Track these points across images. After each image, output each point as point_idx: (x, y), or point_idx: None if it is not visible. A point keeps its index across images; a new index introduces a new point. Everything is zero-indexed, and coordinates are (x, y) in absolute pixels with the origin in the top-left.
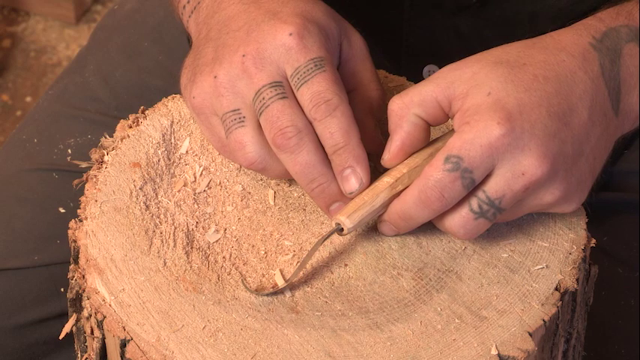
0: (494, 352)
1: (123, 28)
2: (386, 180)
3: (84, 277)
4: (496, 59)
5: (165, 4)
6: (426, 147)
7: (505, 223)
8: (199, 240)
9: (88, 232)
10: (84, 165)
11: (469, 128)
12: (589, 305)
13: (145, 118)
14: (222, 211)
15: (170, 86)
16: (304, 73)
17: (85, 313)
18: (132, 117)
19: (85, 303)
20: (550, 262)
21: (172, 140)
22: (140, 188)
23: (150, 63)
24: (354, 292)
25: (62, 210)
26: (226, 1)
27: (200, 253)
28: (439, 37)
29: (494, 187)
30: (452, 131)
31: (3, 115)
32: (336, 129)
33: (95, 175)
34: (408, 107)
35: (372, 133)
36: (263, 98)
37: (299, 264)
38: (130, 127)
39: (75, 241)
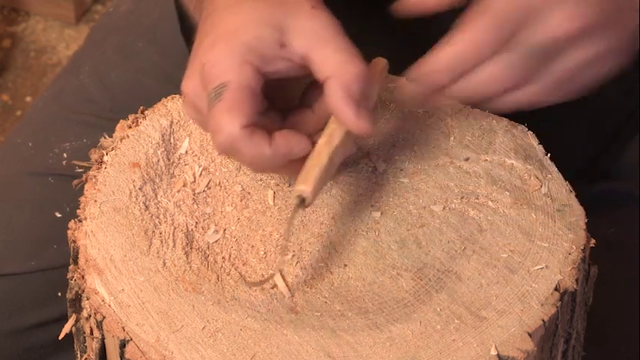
0: (493, 352)
1: (118, 29)
2: (322, 140)
3: (83, 277)
4: None
5: (161, 5)
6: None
7: (505, 223)
8: (199, 240)
9: (88, 232)
10: (83, 165)
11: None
12: (588, 305)
13: (144, 118)
14: (222, 212)
15: (166, 87)
16: (209, 102)
17: (85, 313)
18: (131, 117)
19: (85, 303)
20: (549, 262)
21: (172, 140)
22: (139, 188)
23: (145, 64)
24: (353, 293)
25: (58, 214)
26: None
27: (199, 253)
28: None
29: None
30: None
31: (3, 115)
32: (249, 160)
33: (95, 176)
34: None
35: (352, 118)
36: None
37: (281, 251)
38: (130, 127)
39: (74, 242)
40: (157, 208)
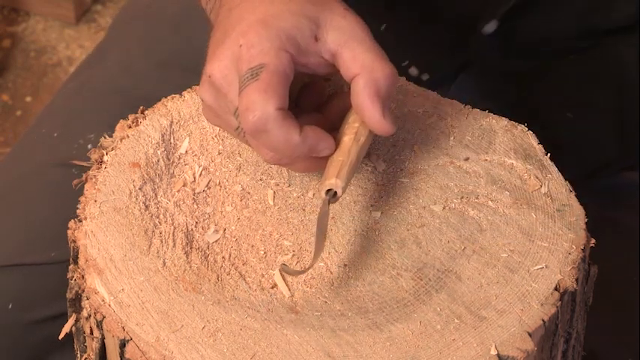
0: (493, 352)
1: (142, 18)
2: (347, 138)
3: (83, 277)
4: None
5: None
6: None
7: (505, 223)
8: (199, 240)
9: (88, 232)
10: (83, 164)
11: None
12: (588, 305)
13: (144, 118)
14: (222, 211)
15: (191, 76)
16: (242, 82)
17: (85, 313)
18: (131, 117)
19: (85, 303)
20: (549, 262)
21: (172, 140)
22: (139, 188)
23: (170, 53)
24: (353, 293)
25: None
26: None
27: (199, 253)
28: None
29: None
30: None
31: (3, 115)
32: (276, 145)
33: (94, 175)
34: None
35: (378, 117)
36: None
37: (315, 249)
38: (130, 127)
39: (74, 242)
40: (157, 207)
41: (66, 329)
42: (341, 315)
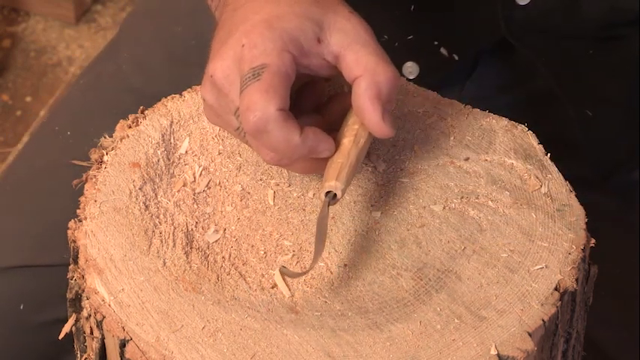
0: (493, 352)
1: (154, 15)
2: (347, 140)
3: (83, 277)
4: None
5: None
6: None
7: (505, 223)
8: (199, 240)
9: (88, 232)
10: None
11: None
12: (589, 305)
13: (144, 118)
14: (222, 211)
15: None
16: (244, 82)
17: (85, 313)
18: (131, 117)
19: (85, 303)
20: (549, 262)
21: (172, 140)
22: (139, 188)
23: (184, 49)
24: (353, 292)
25: None
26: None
27: (199, 253)
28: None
29: None
30: None
31: (3, 115)
32: (276, 145)
33: (94, 175)
34: None
35: (377, 120)
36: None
37: (315, 251)
38: (130, 127)
39: (74, 241)
40: (157, 207)
41: (66, 329)
42: (341, 315)
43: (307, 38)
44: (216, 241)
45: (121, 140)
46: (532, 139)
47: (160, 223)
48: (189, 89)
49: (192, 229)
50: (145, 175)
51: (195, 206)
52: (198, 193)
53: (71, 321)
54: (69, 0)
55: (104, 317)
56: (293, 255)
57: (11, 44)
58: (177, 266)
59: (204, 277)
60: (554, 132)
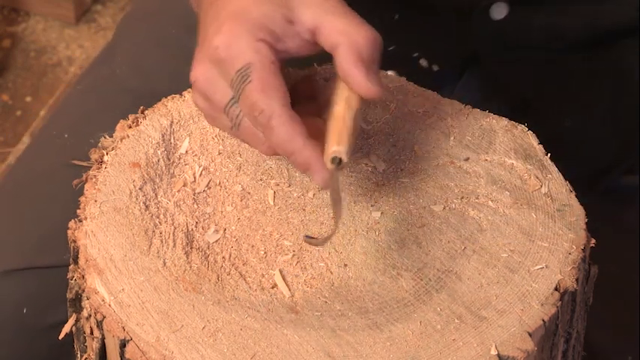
0: (493, 352)
1: (150, 17)
2: (339, 107)
3: (83, 277)
4: None
5: None
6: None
7: (505, 223)
8: (199, 240)
9: (88, 232)
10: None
11: None
12: (589, 305)
13: (144, 118)
14: (222, 211)
15: None
16: (236, 87)
17: (85, 313)
18: (131, 117)
19: (85, 303)
20: (550, 262)
21: (172, 140)
22: (140, 188)
23: (180, 51)
24: (353, 293)
25: None
26: None
27: (200, 253)
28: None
29: None
30: None
31: (3, 115)
32: (277, 142)
33: (95, 175)
34: None
35: (362, 81)
36: (230, 120)
37: (335, 216)
38: (130, 127)
39: (74, 242)
40: (157, 207)
41: (66, 329)
42: (341, 315)
43: (277, 23)
44: (217, 241)
45: (121, 140)
46: (532, 139)
47: (160, 223)
48: (189, 89)
49: (192, 229)
50: (145, 175)
51: (196, 206)
52: (199, 193)
53: (71, 321)
54: (69, 0)
55: (104, 317)
56: (293, 255)
57: (11, 44)
58: (177, 266)
59: (204, 277)
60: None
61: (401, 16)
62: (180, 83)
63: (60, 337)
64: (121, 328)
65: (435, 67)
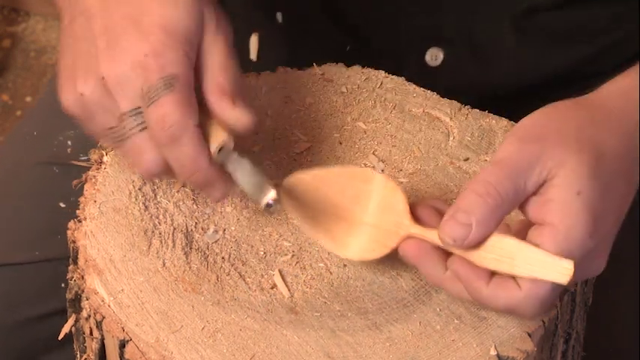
0: (493, 352)
1: None
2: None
3: (83, 277)
4: (578, 143)
5: None
6: None
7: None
8: (198, 240)
9: (87, 232)
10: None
11: (559, 233)
12: (588, 305)
13: None
14: (221, 212)
15: None
16: (153, 92)
17: (84, 313)
18: None
19: (84, 303)
20: None
21: None
22: (139, 189)
23: None
24: (353, 293)
25: (63, 205)
26: None
27: (199, 253)
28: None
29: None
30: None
31: (3, 115)
32: (184, 159)
33: (94, 176)
34: None
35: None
36: (124, 127)
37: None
38: None
39: (74, 242)
40: (157, 208)
41: (65, 329)
42: (341, 315)
43: (197, 34)
44: (216, 241)
45: None
46: None
47: (159, 223)
48: None
49: (191, 230)
50: None
51: (195, 207)
52: (198, 194)
53: (71, 321)
54: None
55: (104, 318)
56: (292, 255)
57: (11, 44)
58: (176, 267)
59: (203, 277)
60: None
61: (285, 17)
62: None
63: (59, 338)
64: (120, 329)
65: None
